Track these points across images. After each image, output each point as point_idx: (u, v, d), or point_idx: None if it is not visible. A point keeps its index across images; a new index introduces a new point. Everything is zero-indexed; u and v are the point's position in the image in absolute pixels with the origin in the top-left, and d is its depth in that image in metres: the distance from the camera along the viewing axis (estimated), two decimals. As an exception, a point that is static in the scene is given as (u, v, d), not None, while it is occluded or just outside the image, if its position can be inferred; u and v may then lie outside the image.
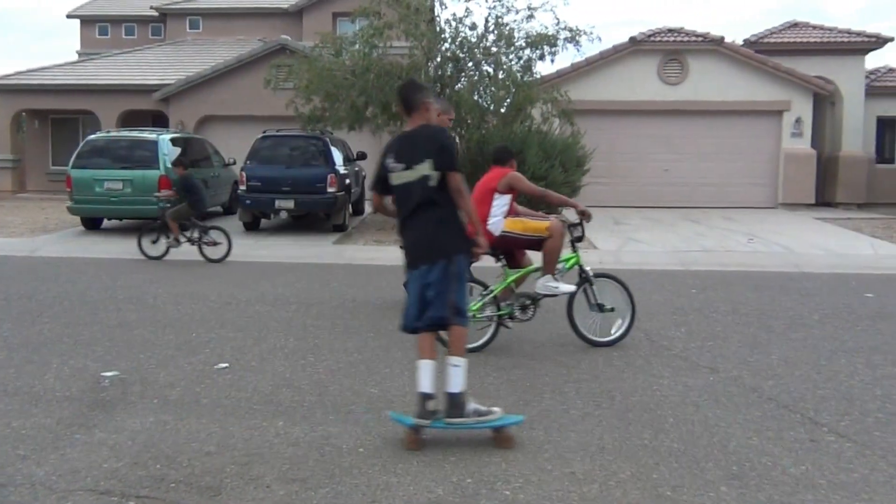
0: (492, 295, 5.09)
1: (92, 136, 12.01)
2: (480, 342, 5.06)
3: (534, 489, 3.02)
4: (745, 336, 5.68)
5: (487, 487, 3.02)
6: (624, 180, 16.23)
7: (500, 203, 5.13)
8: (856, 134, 16.72)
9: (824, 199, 16.80)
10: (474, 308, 4.91)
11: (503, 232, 5.07)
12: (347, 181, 12.19)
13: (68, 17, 24.79)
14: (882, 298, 7.24)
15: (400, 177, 3.69)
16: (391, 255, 9.88)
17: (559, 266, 5.19)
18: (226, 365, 4.74)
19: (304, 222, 12.80)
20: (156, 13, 23.23)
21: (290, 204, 11.42)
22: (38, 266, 8.87)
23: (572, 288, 5.16)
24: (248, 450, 3.39)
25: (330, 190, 11.34)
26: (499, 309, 5.12)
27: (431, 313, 3.61)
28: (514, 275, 5.21)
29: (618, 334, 5.28)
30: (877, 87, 17.14)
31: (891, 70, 17.95)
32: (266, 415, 3.85)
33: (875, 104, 17.04)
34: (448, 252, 3.62)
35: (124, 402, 4.03)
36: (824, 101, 16.78)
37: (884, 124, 17.57)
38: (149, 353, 5.01)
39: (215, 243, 9.18)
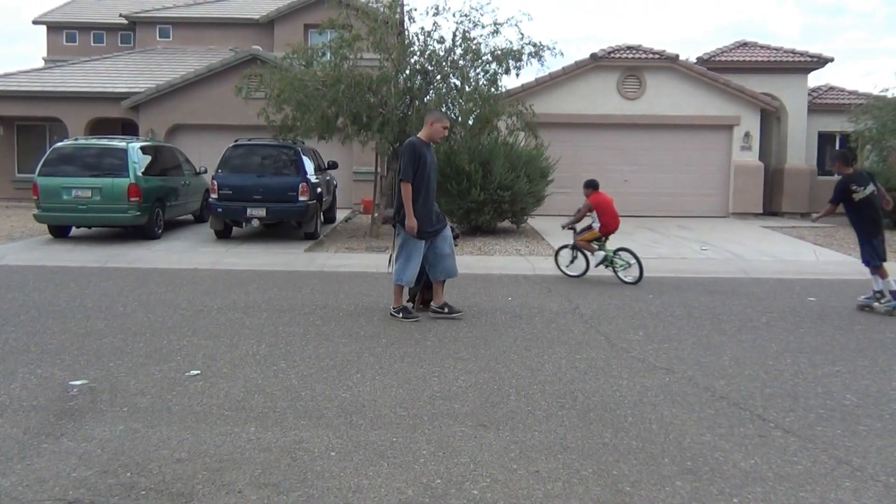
0: None
1: (59, 144, 11.84)
2: None
3: (500, 488, 3.09)
4: (698, 338, 5.87)
5: (456, 487, 3.09)
6: (586, 191, 16.68)
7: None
8: (799, 148, 17.58)
9: (771, 208, 17.58)
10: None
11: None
12: (319, 190, 12.22)
13: (34, 23, 24.30)
14: (823, 302, 7.54)
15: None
16: (362, 261, 9.95)
17: None
18: (197, 372, 4.74)
19: (276, 230, 12.78)
20: (125, 21, 22.94)
21: (262, 212, 11.41)
22: (3, 274, 8.72)
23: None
24: (219, 456, 3.39)
25: (302, 199, 11.37)
26: None
27: None
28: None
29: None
30: (818, 103, 18.04)
31: (831, 88, 18.94)
32: (238, 421, 3.86)
33: (817, 120, 17.89)
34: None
35: (93, 411, 4.00)
36: (771, 116, 17.63)
37: (824, 139, 18.41)
38: (118, 361, 4.98)
39: None
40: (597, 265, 8.71)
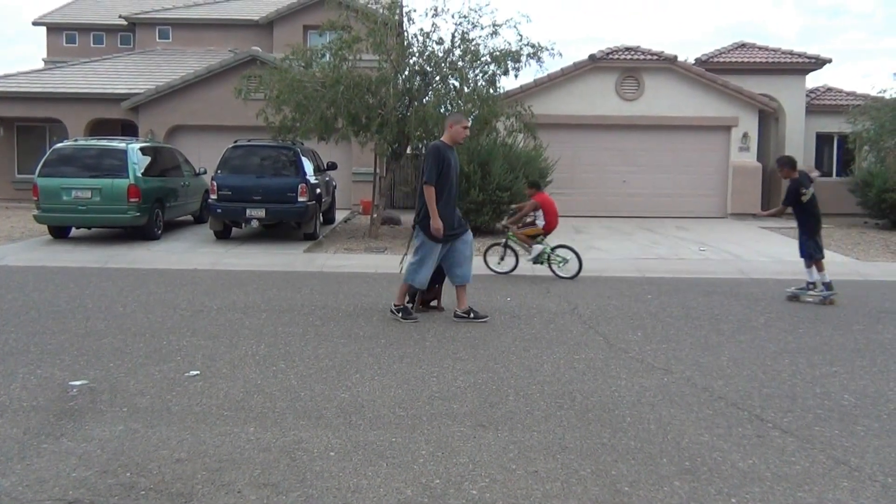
0: None
1: (59, 144, 11.85)
2: None
3: (499, 488, 3.10)
4: (696, 338, 5.89)
5: (455, 487, 3.10)
6: (584, 191, 16.81)
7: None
8: (797, 148, 17.61)
9: (769, 209, 17.49)
10: None
11: None
12: (318, 190, 12.23)
13: (34, 24, 24.31)
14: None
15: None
16: (361, 262, 9.96)
17: None
18: (197, 372, 4.75)
19: (275, 231, 12.79)
20: (124, 22, 22.95)
21: (262, 213, 11.42)
22: (3, 275, 8.73)
23: None
24: (219, 456, 3.40)
25: (301, 199, 11.38)
26: None
27: None
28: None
29: None
30: (816, 104, 18.09)
31: (829, 89, 18.99)
32: (237, 421, 3.87)
33: (814, 121, 17.95)
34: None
35: (93, 411, 4.01)
36: (769, 117, 17.67)
37: (822, 140, 18.48)
38: (118, 361, 4.99)
39: None
40: (531, 260, 8.97)
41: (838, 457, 3.48)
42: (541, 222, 9.08)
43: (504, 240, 9.25)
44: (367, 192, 15.73)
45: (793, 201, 7.67)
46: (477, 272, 9.11)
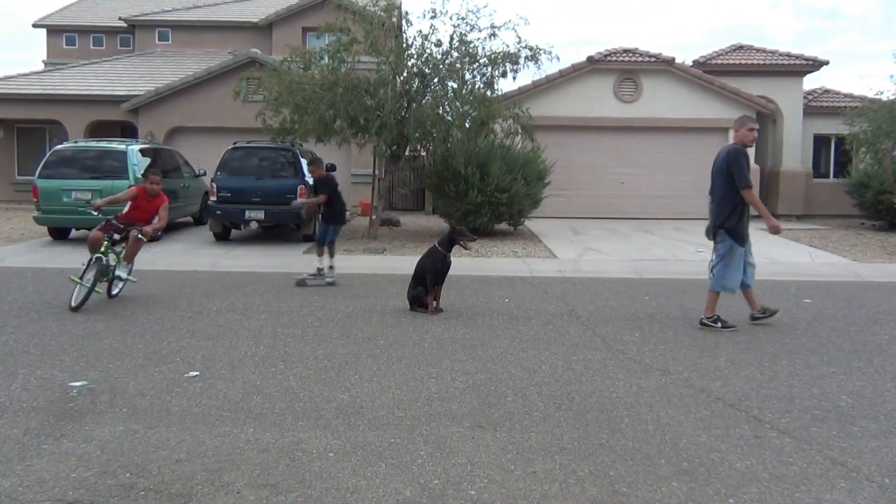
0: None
1: (59, 146, 11.88)
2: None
3: (498, 488, 3.11)
4: (694, 340, 5.91)
5: (453, 488, 3.11)
6: (583, 193, 16.86)
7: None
8: (795, 150, 17.70)
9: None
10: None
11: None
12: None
13: (34, 26, 24.34)
14: (819, 304, 7.58)
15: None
16: (360, 263, 9.97)
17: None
18: (196, 373, 4.76)
19: (275, 233, 12.80)
20: (124, 24, 22.98)
21: (261, 214, 11.43)
22: (3, 276, 8.74)
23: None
24: (218, 456, 3.41)
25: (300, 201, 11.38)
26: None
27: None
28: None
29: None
30: (814, 106, 18.12)
31: (826, 91, 19.02)
32: (236, 422, 3.88)
33: (812, 122, 17.99)
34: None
35: (93, 412, 4.02)
36: (766, 119, 17.70)
37: (820, 141, 18.52)
38: (118, 362, 5.01)
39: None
40: None
41: (836, 457, 3.49)
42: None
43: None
44: (366, 194, 15.75)
45: (332, 194, 8.47)
46: (473, 272, 9.15)
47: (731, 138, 17.56)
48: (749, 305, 6.50)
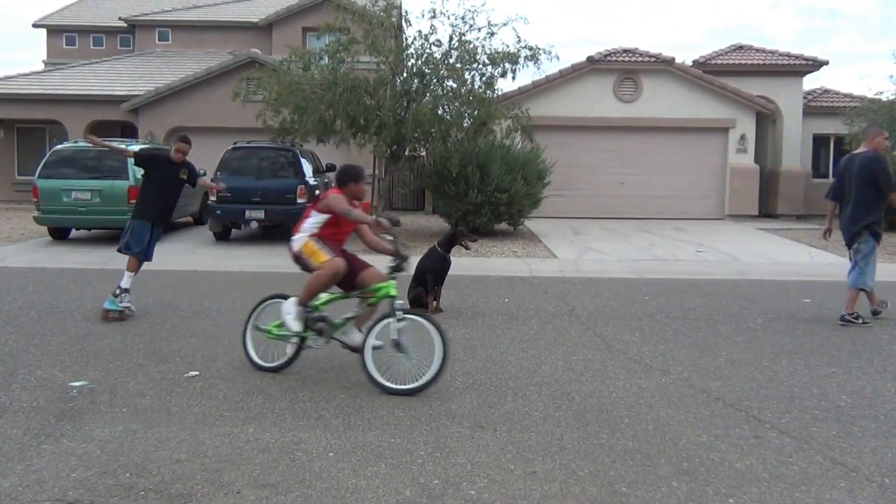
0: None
1: (59, 146, 11.88)
2: (277, 362, 4.89)
3: (498, 488, 3.12)
4: (694, 339, 5.91)
5: (453, 488, 3.11)
6: (582, 193, 16.85)
7: (313, 222, 5.01)
8: (794, 150, 17.68)
9: (767, 210, 17.70)
10: (273, 326, 4.87)
11: (298, 250, 4.98)
12: (317, 192, 12.24)
13: (34, 26, 24.34)
14: (818, 303, 7.57)
15: None
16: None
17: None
18: (196, 373, 4.76)
19: (275, 233, 12.79)
20: (124, 24, 22.98)
21: (261, 214, 11.44)
22: (3, 276, 8.74)
23: (297, 326, 4.74)
24: (218, 456, 3.41)
25: (300, 201, 11.38)
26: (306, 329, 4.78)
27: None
28: (336, 296, 4.94)
29: (418, 384, 4.34)
30: (813, 106, 18.10)
31: (826, 91, 19.01)
32: (236, 421, 3.88)
33: (812, 123, 17.96)
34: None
35: (93, 412, 4.02)
36: (766, 119, 17.72)
37: (819, 141, 18.49)
38: (118, 362, 5.01)
39: None
40: None
41: (835, 457, 3.49)
42: None
43: None
44: (366, 194, 15.74)
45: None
46: (473, 272, 9.15)
47: (731, 138, 17.59)
48: (869, 301, 6.75)
